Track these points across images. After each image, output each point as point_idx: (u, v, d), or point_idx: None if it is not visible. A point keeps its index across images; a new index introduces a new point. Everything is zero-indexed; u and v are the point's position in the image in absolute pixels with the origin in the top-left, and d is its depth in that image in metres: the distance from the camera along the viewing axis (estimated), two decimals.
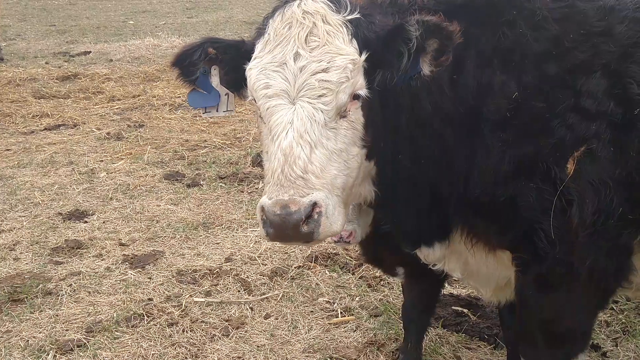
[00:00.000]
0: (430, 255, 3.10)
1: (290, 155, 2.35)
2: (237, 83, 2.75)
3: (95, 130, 8.73)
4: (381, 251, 3.61)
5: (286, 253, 5.35)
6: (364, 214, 3.28)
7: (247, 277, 5.05)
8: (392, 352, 4.13)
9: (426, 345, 4.10)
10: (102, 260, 5.33)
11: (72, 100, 10.13)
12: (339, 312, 4.59)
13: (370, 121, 2.55)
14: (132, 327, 4.42)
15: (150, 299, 4.75)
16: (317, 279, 5.01)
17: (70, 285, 4.93)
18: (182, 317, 4.52)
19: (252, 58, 2.53)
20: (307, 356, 4.14)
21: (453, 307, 4.58)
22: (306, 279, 5.03)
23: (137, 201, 6.45)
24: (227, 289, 4.90)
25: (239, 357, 4.13)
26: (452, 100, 2.68)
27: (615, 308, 4.50)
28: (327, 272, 5.13)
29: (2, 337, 4.32)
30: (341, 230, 2.60)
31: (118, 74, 11.65)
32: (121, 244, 5.59)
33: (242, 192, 6.67)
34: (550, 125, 2.61)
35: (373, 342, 4.23)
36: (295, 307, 4.67)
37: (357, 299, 4.76)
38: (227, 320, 4.51)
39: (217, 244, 5.63)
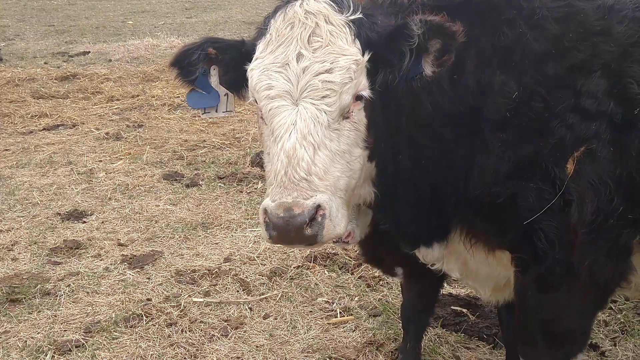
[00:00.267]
0: (429, 255, 3.10)
1: (294, 157, 2.33)
2: (237, 83, 2.74)
3: (94, 130, 8.72)
4: (380, 251, 3.61)
5: (285, 253, 5.35)
6: (363, 214, 3.28)
7: (246, 277, 5.05)
8: (391, 352, 4.13)
9: (425, 345, 4.10)
10: (101, 260, 5.32)
11: (71, 101, 10.13)
12: (338, 312, 4.59)
13: (373, 122, 2.55)
14: (131, 327, 4.41)
15: (149, 299, 4.75)
16: (316, 279, 5.01)
17: (69, 285, 4.92)
18: (181, 318, 4.52)
19: (254, 58, 2.51)
20: (306, 356, 4.13)
21: (452, 307, 4.58)
22: (305, 279, 5.03)
23: (136, 201, 6.45)
24: (226, 289, 4.89)
25: (238, 358, 4.13)
26: (452, 100, 2.68)
27: (613, 307, 4.50)
28: (326, 272, 5.13)
29: (0, 337, 4.31)
30: (345, 233, 2.59)
31: (117, 74, 11.64)
32: (120, 244, 5.58)
33: (241, 192, 6.66)
34: (550, 125, 2.61)
35: (372, 342, 4.23)
36: (294, 307, 4.66)
37: (356, 298, 4.76)
38: (226, 321, 4.50)
39: (216, 244, 5.62)
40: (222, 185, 6.85)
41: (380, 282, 4.94)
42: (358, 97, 2.47)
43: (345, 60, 2.41)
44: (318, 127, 2.37)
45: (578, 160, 2.55)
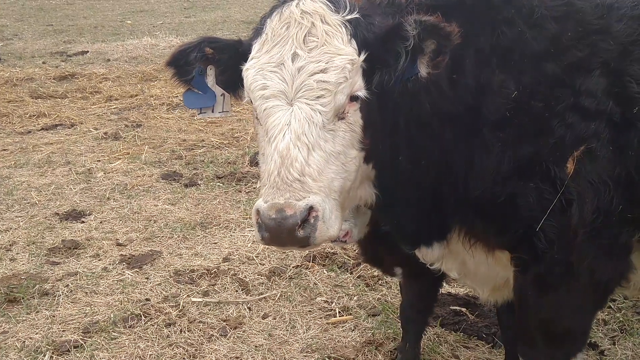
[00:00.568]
0: (429, 255, 3.09)
1: (287, 157, 2.31)
2: (233, 83, 2.72)
3: (92, 130, 8.71)
4: (380, 251, 3.60)
5: (284, 253, 5.34)
6: (361, 213, 3.27)
7: (245, 277, 5.04)
8: (391, 351, 4.12)
9: (424, 345, 4.10)
10: (99, 260, 5.31)
11: (69, 100, 10.11)
12: (337, 312, 4.58)
13: (369, 123, 2.52)
14: (130, 327, 4.40)
15: (147, 299, 4.74)
16: (315, 278, 5.00)
17: (67, 285, 4.91)
18: (179, 317, 4.51)
19: (249, 58, 2.50)
20: (305, 356, 4.13)
21: (451, 307, 4.57)
22: (304, 278, 5.02)
23: (135, 201, 6.44)
24: (225, 288, 4.89)
25: (237, 357, 4.12)
26: (451, 100, 2.66)
27: (612, 306, 4.50)
28: (325, 271, 5.12)
29: None
30: (338, 235, 2.57)
31: (115, 73, 11.62)
32: (118, 244, 5.57)
33: (240, 191, 6.65)
34: (550, 124, 2.59)
35: (371, 341, 4.22)
36: (293, 307, 4.65)
37: (355, 298, 4.75)
38: (224, 320, 4.49)
39: (215, 243, 5.61)
40: (221, 184, 6.84)
41: (379, 282, 4.93)
42: (354, 98, 2.45)
43: (340, 59, 2.39)
44: (312, 128, 2.35)
45: (578, 160, 2.54)
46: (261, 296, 4.79)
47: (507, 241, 2.79)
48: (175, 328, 4.39)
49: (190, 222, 5.96)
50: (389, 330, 4.34)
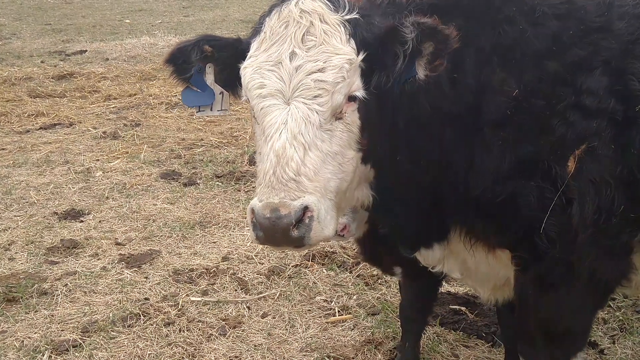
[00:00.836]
0: (430, 256, 3.08)
1: (283, 156, 2.30)
2: (232, 82, 2.72)
3: (91, 129, 8.70)
4: (379, 251, 3.59)
5: (283, 252, 5.32)
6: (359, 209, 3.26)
7: (244, 276, 5.03)
8: (390, 350, 4.11)
9: (424, 344, 4.09)
10: (98, 259, 5.30)
11: (68, 99, 10.09)
12: (337, 311, 4.58)
13: (367, 123, 2.51)
14: (129, 326, 4.39)
15: (146, 299, 4.73)
16: (315, 277, 5.00)
17: (66, 285, 4.90)
18: (178, 317, 4.50)
19: (247, 57, 2.49)
20: (304, 355, 4.12)
21: (451, 306, 4.57)
22: (303, 277, 5.01)
23: (134, 200, 6.42)
24: (224, 288, 4.88)
25: (236, 357, 4.11)
26: (451, 99, 2.65)
27: (612, 306, 4.50)
28: (324, 270, 5.11)
29: None
30: (333, 235, 2.56)
31: (114, 72, 11.61)
32: (117, 244, 5.56)
33: (239, 191, 6.64)
34: (551, 123, 2.58)
35: (371, 340, 4.22)
36: (292, 306, 4.65)
37: (354, 297, 4.75)
38: (224, 320, 4.49)
39: (214, 243, 5.60)
40: (220, 184, 6.82)
41: (379, 281, 4.93)
42: (352, 98, 2.44)
43: (338, 59, 2.38)
44: (309, 127, 2.34)
45: (579, 159, 2.53)
46: (260, 295, 4.78)
47: (507, 240, 2.78)
48: (174, 327, 4.38)
49: (189, 221, 5.95)
50: (389, 330, 4.33)
